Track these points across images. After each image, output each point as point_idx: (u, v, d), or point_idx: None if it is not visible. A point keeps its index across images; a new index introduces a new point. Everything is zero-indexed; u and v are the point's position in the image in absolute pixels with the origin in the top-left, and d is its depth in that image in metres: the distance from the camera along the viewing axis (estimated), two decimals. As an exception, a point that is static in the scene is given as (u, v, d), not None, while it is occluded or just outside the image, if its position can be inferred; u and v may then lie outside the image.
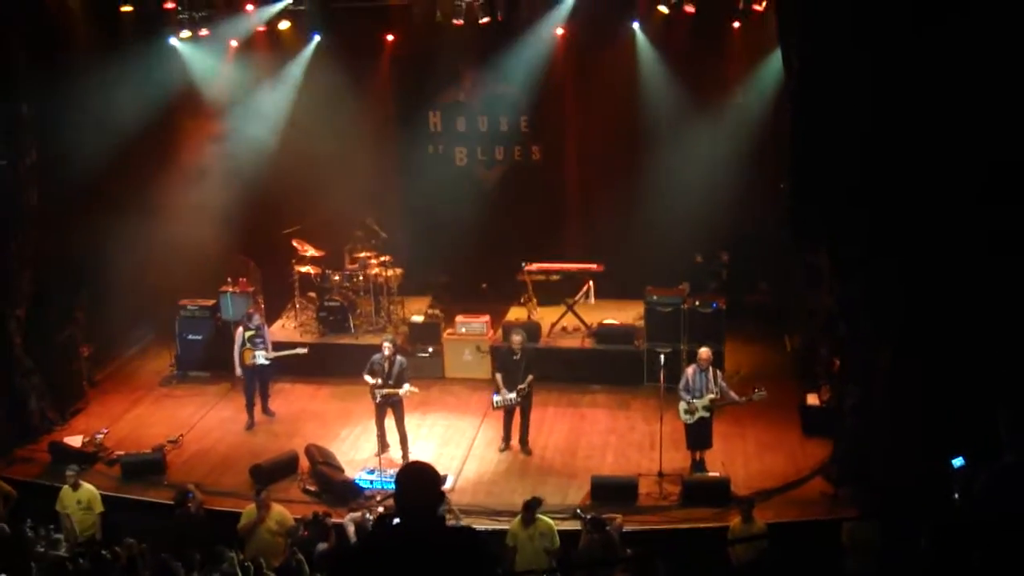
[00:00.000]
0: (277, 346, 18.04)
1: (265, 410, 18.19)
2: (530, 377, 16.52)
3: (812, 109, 14.40)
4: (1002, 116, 12.50)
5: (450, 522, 12.86)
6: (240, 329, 17.81)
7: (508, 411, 16.71)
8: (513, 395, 16.45)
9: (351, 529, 13.39)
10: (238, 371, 17.82)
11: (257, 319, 17.82)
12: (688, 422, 15.64)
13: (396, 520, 5.67)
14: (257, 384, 17.93)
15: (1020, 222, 12.50)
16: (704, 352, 15.76)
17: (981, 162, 12.70)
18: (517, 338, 16.71)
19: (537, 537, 13.34)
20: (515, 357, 16.55)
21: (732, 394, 15.66)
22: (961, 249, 13.03)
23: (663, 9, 18.74)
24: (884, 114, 13.28)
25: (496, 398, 16.60)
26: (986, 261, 12.88)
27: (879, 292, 13.99)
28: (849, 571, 12.96)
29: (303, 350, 17.90)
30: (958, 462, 11.38)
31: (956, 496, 10.25)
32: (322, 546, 12.88)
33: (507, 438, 16.85)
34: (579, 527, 13.80)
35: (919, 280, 13.40)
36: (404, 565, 5.51)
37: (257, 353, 17.49)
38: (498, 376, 16.74)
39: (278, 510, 13.91)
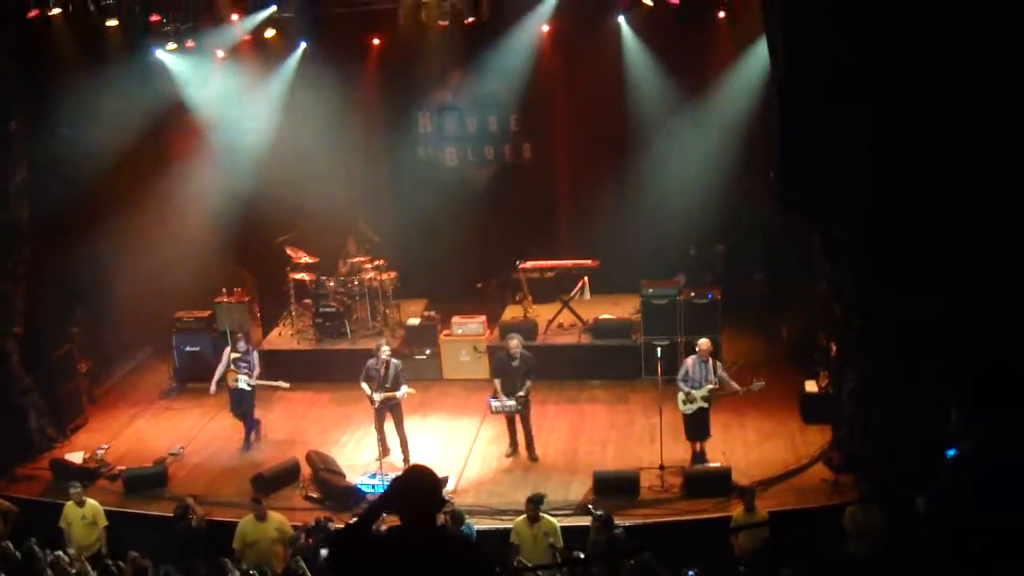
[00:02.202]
0: (272, 360, 17.75)
1: (246, 443, 17.69)
2: (528, 383, 16.33)
3: (797, 94, 14.39)
4: (993, 94, 12.51)
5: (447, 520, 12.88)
6: (227, 349, 17.73)
7: (509, 417, 16.58)
8: (512, 402, 16.27)
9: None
10: (212, 388, 17.65)
11: (244, 345, 17.55)
12: (687, 412, 15.65)
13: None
14: (244, 408, 17.71)
15: (1014, 200, 12.52)
16: (704, 343, 15.77)
17: (973, 138, 12.71)
18: (514, 342, 16.48)
19: (541, 535, 13.37)
20: (514, 363, 16.34)
21: (732, 384, 15.68)
22: (954, 226, 13.04)
23: (647, 1, 18.70)
24: (871, 95, 13.26)
25: (494, 403, 16.43)
26: (979, 240, 12.89)
27: (871, 275, 13.99)
28: (852, 555, 12.97)
29: (285, 385, 17.71)
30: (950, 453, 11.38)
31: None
32: (325, 552, 12.87)
33: (513, 443, 16.71)
34: (583, 523, 13.84)
35: (912, 261, 13.41)
36: (403, 569, 5.52)
37: (240, 376, 17.30)
38: (496, 382, 16.55)
39: (277, 518, 13.92)
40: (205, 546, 13.79)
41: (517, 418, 16.52)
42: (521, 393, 16.23)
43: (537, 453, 16.61)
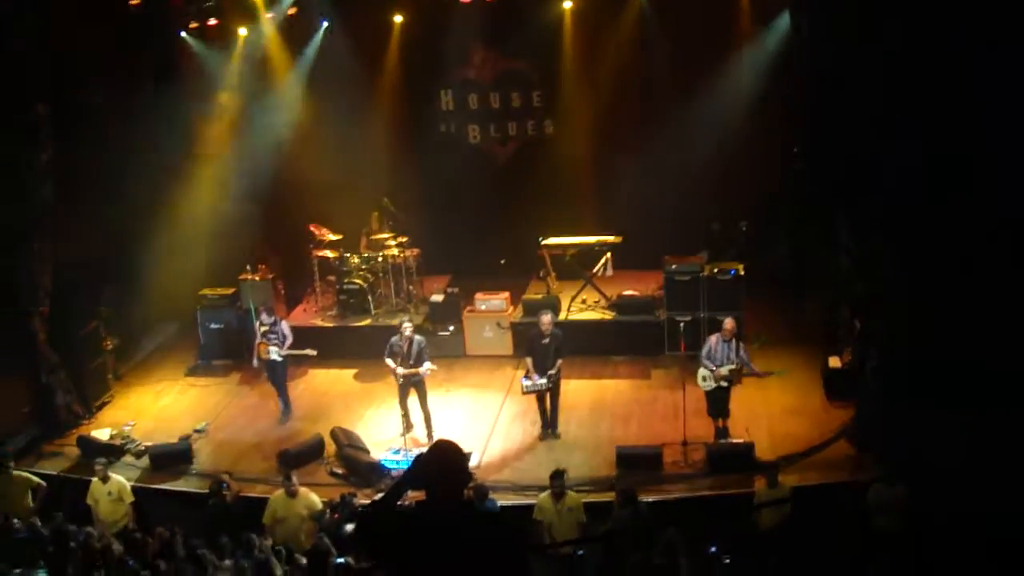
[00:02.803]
0: (297, 335, 17.95)
1: (284, 412, 17.97)
2: (559, 362, 16.20)
3: (823, 72, 14.34)
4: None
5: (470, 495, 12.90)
6: (257, 323, 17.89)
7: (540, 397, 16.43)
8: (543, 380, 16.13)
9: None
10: (254, 362, 17.87)
11: (270, 315, 17.72)
12: (706, 389, 15.63)
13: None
14: (278, 379, 17.89)
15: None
16: (729, 323, 15.67)
17: (997, 118, 12.65)
18: (546, 319, 16.33)
19: (565, 512, 13.40)
20: (544, 341, 16.19)
21: (753, 366, 15.64)
22: (978, 205, 12.99)
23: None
24: (895, 73, 13.20)
25: (525, 383, 16.31)
26: (1003, 219, 12.84)
27: (895, 250, 13.95)
28: (875, 531, 12.96)
29: (312, 352, 17.75)
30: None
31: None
32: (348, 527, 12.95)
33: (545, 424, 16.58)
34: (607, 499, 13.87)
35: (936, 238, 13.36)
36: (431, 543, 5.54)
37: (271, 348, 17.47)
38: (528, 360, 16.41)
39: (307, 496, 13.99)
40: (237, 522, 13.89)
41: (547, 396, 16.45)
42: (552, 371, 16.13)
43: (560, 430, 16.58)
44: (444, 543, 5.49)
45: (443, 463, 5.68)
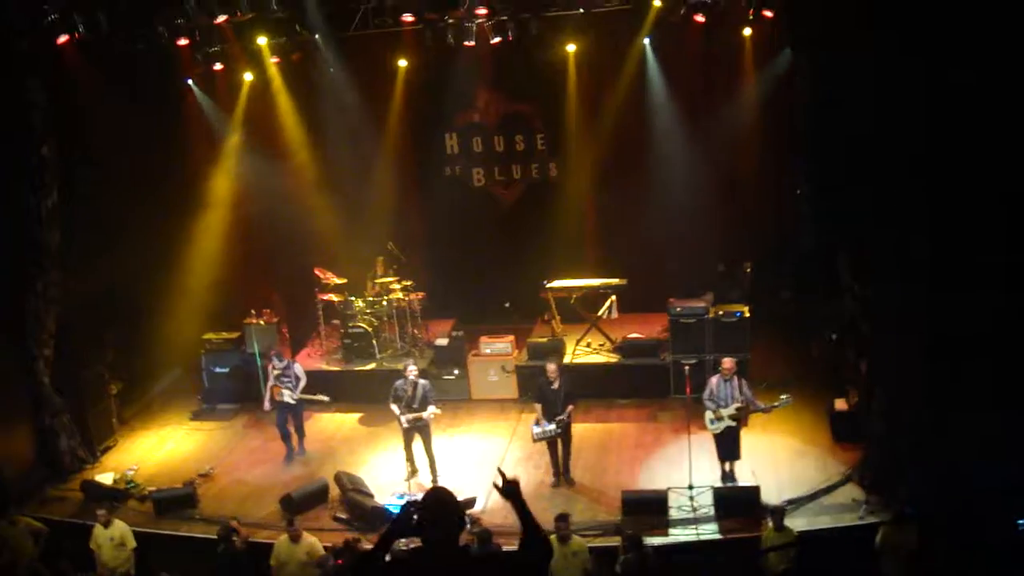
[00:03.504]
0: (308, 376, 17.98)
1: (300, 448, 18.10)
2: (570, 408, 16.07)
3: (826, 114, 14.39)
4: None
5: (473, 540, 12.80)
6: (270, 366, 17.91)
7: (551, 444, 16.28)
8: (552, 426, 16.00)
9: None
10: (266, 405, 17.89)
11: (282, 359, 17.84)
12: (716, 431, 15.56)
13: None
14: (290, 419, 17.90)
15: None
16: (728, 361, 15.68)
17: (1004, 160, 12.66)
18: (552, 367, 16.30)
19: (570, 556, 13.29)
20: (553, 387, 16.14)
21: (758, 402, 15.59)
22: (984, 249, 12.98)
23: (673, 20, 18.66)
24: (900, 115, 13.23)
25: (536, 430, 16.18)
26: (1010, 260, 12.83)
27: (900, 292, 13.92)
28: (883, 575, 12.86)
29: (325, 398, 17.90)
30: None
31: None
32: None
33: (556, 471, 16.41)
34: (611, 544, 13.77)
35: (941, 277, 13.35)
36: None
37: (284, 391, 17.52)
38: (537, 407, 16.28)
39: (308, 541, 13.91)
40: (246, 568, 13.82)
41: (559, 442, 16.31)
42: (562, 416, 16.00)
43: (573, 478, 16.40)
44: None
45: (436, 510, 5.69)
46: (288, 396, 17.51)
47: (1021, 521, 11.56)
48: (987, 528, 11.80)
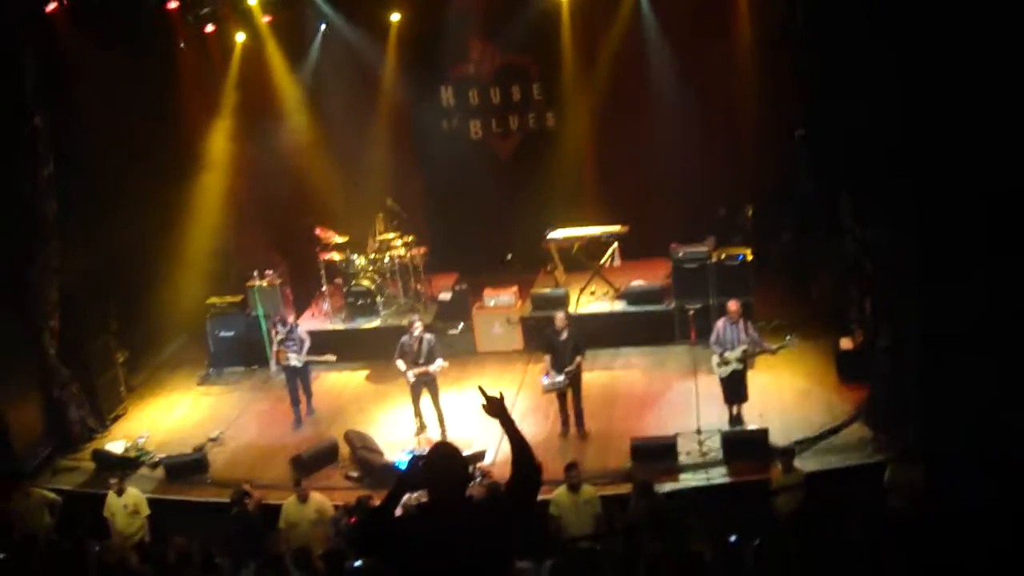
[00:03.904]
0: (312, 337, 17.98)
1: (308, 408, 18.09)
2: (578, 359, 16.03)
3: (821, 53, 14.25)
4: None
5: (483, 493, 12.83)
6: (273, 330, 17.90)
7: (561, 395, 16.26)
8: (561, 378, 15.96)
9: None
10: (272, 369, 17.91)
11: (286, 323, 17.82)
12: (721, 375, 15.58)
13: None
14: (299, 383, 17.91)
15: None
16: (733, 304, 15.67)
17: (1001, 96, 12.55)
18: (560, 316, 16.27)
19: (581, 504, 13.34)
20: (562, 338, 16.06)
21: (764, 343, 15.61)
22: (982, 185, 12.90)
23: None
24: (897, 52, 13.10)
25: (545, 381, 16.16)
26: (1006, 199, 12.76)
27: (901, 229, 13.87)
28: (892, 511, 12.89)
29: (332, 358, 17.87)
30: None
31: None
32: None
33: (566, 422, 16.37)
34: (622, 492, 13.83)
35: (940, 215, 13.28)
36: (432, 541, 5.57)
37: (290, 355, 17.50)
38: (547, 358, 16.24)
39: (317, 500, 13.97)
40: (260, 530, 13.91)
41: (568, 393, 16.29)
42: (571, 367, 15.97)
43: (586, 431, 16.35)
44: (444, 539, 5.57)
45: (441, 467, 5.73)
46: (294, 359, 17.50)
47: None
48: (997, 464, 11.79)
